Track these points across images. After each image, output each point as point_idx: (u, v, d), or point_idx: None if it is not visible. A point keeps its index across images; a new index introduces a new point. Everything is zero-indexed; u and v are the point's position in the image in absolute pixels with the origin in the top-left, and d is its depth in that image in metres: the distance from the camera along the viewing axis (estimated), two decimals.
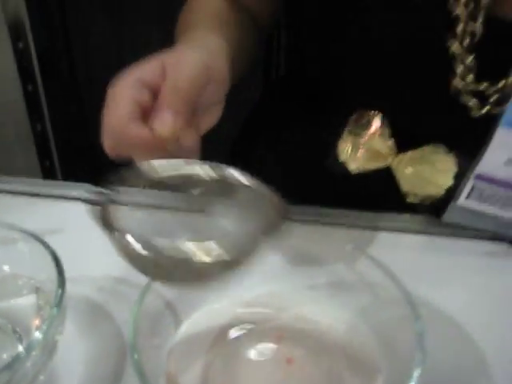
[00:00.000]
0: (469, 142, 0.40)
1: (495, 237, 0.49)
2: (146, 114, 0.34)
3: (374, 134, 0.48)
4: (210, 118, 0.39)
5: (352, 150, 0.48)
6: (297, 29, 0.53)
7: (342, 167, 0.50)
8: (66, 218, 0.48)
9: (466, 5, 0.41)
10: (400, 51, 0.45)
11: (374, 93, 0.49)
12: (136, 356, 0.30)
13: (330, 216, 0.48)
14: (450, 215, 0.43)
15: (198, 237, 0.30)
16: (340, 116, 0.49)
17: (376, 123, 0.48)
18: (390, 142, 0.48)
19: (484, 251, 0.47)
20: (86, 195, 0.50)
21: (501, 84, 0.43)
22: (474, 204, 0.42)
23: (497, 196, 0.41)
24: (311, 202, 0.48)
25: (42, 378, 0.36)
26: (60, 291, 0.35)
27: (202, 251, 0.29)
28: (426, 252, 0.46)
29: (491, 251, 0.48)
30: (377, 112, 0.47)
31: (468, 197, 0.42)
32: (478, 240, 0.48)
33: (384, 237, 0.47)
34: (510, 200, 0.41)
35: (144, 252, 0.29)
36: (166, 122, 0.33)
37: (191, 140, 0.34)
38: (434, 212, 0.48)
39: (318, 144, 0.51)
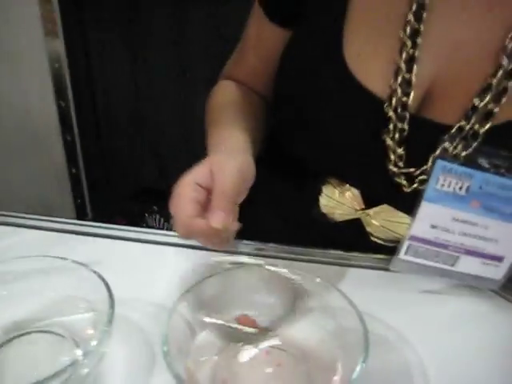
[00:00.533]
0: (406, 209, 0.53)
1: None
2: (203, 206, 0.48)
3: (345, 194, 0.62)
4: (245, 192, 0.52)
5: (331, 206, 0.63)
6: (279, 122, 0.68)
7: (324, 217, 0.65)
8: (104, 253, 0.61)
9: (395, 110, 0.55)
10: (350, 143, 0.60)
11: (337, 168, 0.63)
12: (166, 349, 0.43)
13: (311, 255, 0.61)
14: (395, 265, 0.56)
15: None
16: (318, 179, 0.63)
17: (346, 187, 0.62)
18: (358, 201, 0.63)
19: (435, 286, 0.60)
20: (117, 233, 0.64)
21: (424, 167, 0.56)
22: (411, 258, 0.55)
23: (429, 252, 0.54)
24: (300, 244, 0.62)
25: (91, 379, 0.46)
26: (111, 311, 0.46)
27: None
28: (387, 286, 0.59)
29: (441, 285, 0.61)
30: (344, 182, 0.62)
31: (406, 253, 0.55)
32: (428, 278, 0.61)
33: (352, 272, 0.60)
34: (440, 255, 0.54)
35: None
36: (219, 220, 0.46)
37: (235, 226, 0.48)
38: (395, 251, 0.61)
39: (303, 200, 0.66)
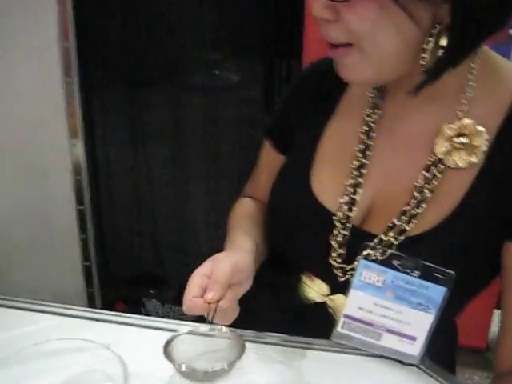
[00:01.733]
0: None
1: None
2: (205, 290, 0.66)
3: (312, 285, 0.79)
4: (243, 288, 0.68)
5: (306, 295, 0.79)
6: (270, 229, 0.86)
7: (308, 299, 0.79)
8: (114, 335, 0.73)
9: (340, 221, 0.73)
10: (308, 243, 0.76)
11: (302, 262, 0.79)
12: None
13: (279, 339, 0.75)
14: (336, 337, 0.70)
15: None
16: (294, 273, 0.80)
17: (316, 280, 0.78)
18: (325, 289, 0.78)
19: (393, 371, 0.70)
20: (131, 321, 0.78)
21: (354, 264, 0.71)
22: (346, 332, 0.69)
23: (358, 328, 0.68)
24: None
25: None
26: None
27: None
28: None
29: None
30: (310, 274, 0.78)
31: (342, 327, 0.69)
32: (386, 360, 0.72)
33: (311, 353, 0.71)
34: (367, 331, 0.68)
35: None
36: (210, 297, 0.64)
37: (225, 305, 0.64)
38: None
39: (283, 290, 0.82)
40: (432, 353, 0.72)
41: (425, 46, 0.60)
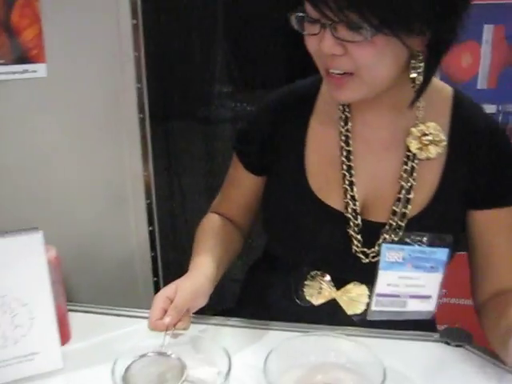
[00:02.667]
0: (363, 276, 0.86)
1: (433, 339, 0.88)
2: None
3: (322, 282, 0.92)
4: (198, 307, 0.84)
5: (313, 293, 0.93)
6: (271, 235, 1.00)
7: (308, 302, 0.93)
8: None
9: (351, 214, 0.87)
10: (324, 241, 0.90)
11: (314, 261, 0.93)
12: None
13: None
14: (371, 316, 0.86)
15: None
16: (301, 273, 0.93)
17: (320, 275, 0.92)
18: (331, 285, 0.92)
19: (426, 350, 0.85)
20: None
21: (373, 249, 0.87)
22: (380, 308, 0.84)
23: (388, 301, 0.83)
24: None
25: None
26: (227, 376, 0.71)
27: None
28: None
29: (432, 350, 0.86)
30: (320, 272, 0.92)
31: (376, 305, 0.84)
32: (419, 342, 0.88)
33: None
34: (395, 302, 0.83)
35: None
36: (167, 322, 0.78)
37: (182, 325, 0.79)
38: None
39: (291, 289, 0.94)
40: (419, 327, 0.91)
41: (418, 70, 0.78)
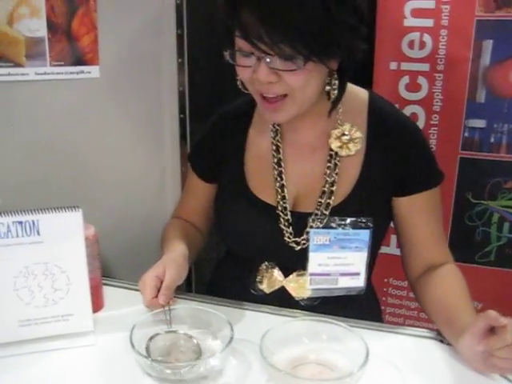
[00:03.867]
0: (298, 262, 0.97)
1: (428, 336, 0.95)
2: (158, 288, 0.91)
3: (271, 273, 1.04)
4: (180, 282, 0.95)
5: (265, 283, 1.04)
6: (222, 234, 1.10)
7: (262, 290, 1.04)
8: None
9: (281, 210, 1.00)
10: (260, 234, 1.02)
11: (258, 253, 1.04)
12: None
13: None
14: (309, 293, 0.99)
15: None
16: (253, 265, 1.04)
17: (270, 267, 1.03)
18: (280, 274, 1.03)
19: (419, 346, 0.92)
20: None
21: (303, 236, 0.99)
22: (315, 286, 0.95)
23: (321, 280, 0.94)
24: None
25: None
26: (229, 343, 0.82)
27: None
28: None
29: (425, 346, 0.92)
30: (269, 263, 1.03)
31: (310, 284, 0.95)
32: (414, 337, 0.95)
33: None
34: (327, 280, 0.94)
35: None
36: (162, 300, 0.89)
37: (172, 302, 0.91)
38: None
39: (246, 280, 1.05)
40: (365, 313, 1.02)
41: (333, 86, 0.92)
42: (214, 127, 1.11)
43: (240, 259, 1.08)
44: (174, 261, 0.95)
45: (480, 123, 1.52)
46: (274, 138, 1.03)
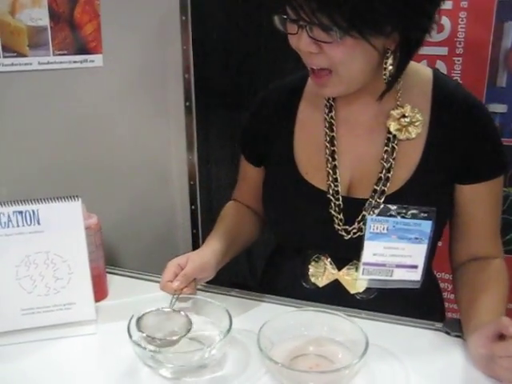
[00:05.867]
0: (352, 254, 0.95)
1: (434, 327, 0.95)
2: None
3: (324, 264, 1.01)
4: (204, 280, 0.97)
5: (318, 276, 1.02)
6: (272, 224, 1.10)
7: (314, 284, 1.03)
8: None
9: (332, 195, 0.97)
10: (311, 220, 1.00)
11: (308, 241, 1.03)
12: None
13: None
14: (361, 284, 0.97)
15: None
16: (305, 256, 1.02)
17: (322, 258, 1.01)
18: (333, 267, 1.00)
19: (424, 337, 0.92)
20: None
21: (356, 225, 0.96)
22: (366, 276, 0.92)
23: (375, 270, 0.91)
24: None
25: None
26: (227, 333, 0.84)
27: None
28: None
29: (430, 338, 0.92)
30: (324, 256, 1.01)
31: (363, 274, 0.92)
32: (419, 329, 0.94)
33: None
34: (382, 271, 0.91)
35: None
36: (175, 285, 0.91)
37: (188, 291, 0.92)
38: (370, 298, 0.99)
39: (298, 273, 1.04)
40: (425, 310, 1.00)
41: (385, 66, 0.87)
42: (259, 107, 1.08)
43: (291, 251, 1.06)
44: (201, 255, 0.96)
45: (501, 108, 1.50)
46: (327, 114, 0.99)
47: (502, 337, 0.78)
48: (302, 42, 0.84)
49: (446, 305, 1.53)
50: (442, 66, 1.53)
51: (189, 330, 0.85)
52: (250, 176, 1.12)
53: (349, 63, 0.85)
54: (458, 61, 1.51)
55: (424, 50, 1.52)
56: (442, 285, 1.61)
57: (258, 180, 1.09)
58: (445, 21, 1.48)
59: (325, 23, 0.80)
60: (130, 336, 0.83)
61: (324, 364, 0.83)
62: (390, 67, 0.87)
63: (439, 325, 0.96)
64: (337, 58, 0.84)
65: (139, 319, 0.85)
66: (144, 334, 0.82)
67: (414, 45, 0.87)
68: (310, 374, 0.80)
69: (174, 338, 0.83)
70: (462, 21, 1.48)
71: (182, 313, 0.89)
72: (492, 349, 0.78)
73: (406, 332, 0.96)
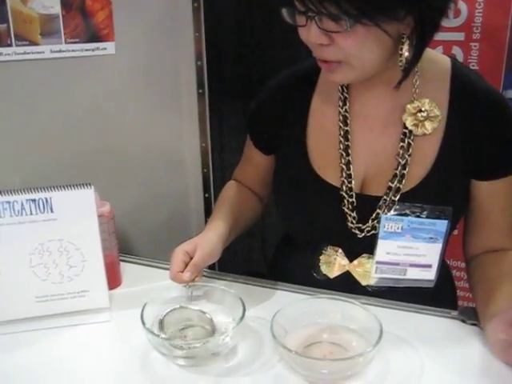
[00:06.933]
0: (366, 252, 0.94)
1: (449, 315, 0.94)
2: (187, 263, 0.90)
3: (336, 256, 1.00)
4: (211, 262, 0.94)
5: (329, 267, 1.01)
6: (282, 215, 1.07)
7: (325, 275, 1.02)
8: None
9: (346, 192, 0.95)
10: (324, 216, 0.99)
11: (320, 235, 1.01)
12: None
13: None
14: (374, 282, 0.94)
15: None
16: (316, 248, 1.01)
17: (334, 250, 1.00)
18: (345, 259, 1.00)
19: (439, 326, 0.91)
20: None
21: (368, 224, 0.95)
22: (379, 275, 0.91)
23: (389, 269, 0.90)
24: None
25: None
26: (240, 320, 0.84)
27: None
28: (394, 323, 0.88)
29: (446, 326, 0.92)
30: (335, 248, 1.00)
31: (376, 272, 0.90)
32: (435, 317, 0.94)
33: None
34: (395, 270, 0.90)
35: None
36: (187, 276, 0.88)
37: (199, 278, 0.91)
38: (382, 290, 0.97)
39: (309, 264, 1.03)
40: (438, 300, 0.98)
41: (400, 52, 0.84)
42: (272, 93, 1.05)
43: (301, 241, 1.05)
44: (208, 241, 0.93)
45: None
46: (341, 108, 0.96)
47: None
48: (311, 33, 0.82)
49: (461, 293, 1.53)
50: (458, 52, 1.51)
51: (211, 334, 0.86)
52: (256, 162, 1.10)
53: (361, 54, 0.82)
54: (475, 46, 1.49)
55: (440, 36, 1.51)
56: (457, 273, 1.61)
57: (265, 167, 1.08)
58: (461, 5, 1.46)
59: (333, 12, 0.77)
60: (144, 323, 0.83)
61: (338, 352, 0.83)
62: (406, 53, 0.84)
63: (455, 313, 0.96)
64: (349, 49, 0.81)
65: (162, 320, 0.87)
66: (159, 339, 0.83)
67: (430, 29, 0.83)
68: (324, 361, 0.80)
69: (190, 343, 0.84)
70: (480, 5, 1.46)
71: (208, 316, 0.90)
72: (511, 334, 0.77)
73: (421, 320, 0.95)
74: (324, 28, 0.80)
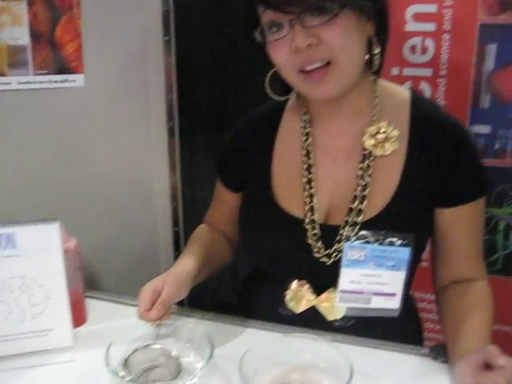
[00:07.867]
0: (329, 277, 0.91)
1: (419, 353, 0.95)
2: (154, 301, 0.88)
3: (301, 291, 0.99)
4: (179, 299, 0.92)
5: (295, 302, 1.00)
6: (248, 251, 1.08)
7: (290, 311, 1.01)
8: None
9: (309, 223, 0.96)
10: (289, 249, 0.99)
11: (285, 269, 1.01)
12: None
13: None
14: (338, 312, 0.96)
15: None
16: (282, 282, 1.01)
17: (300, 284, 1.00)
18: (312, 293, 0.99)
19: (410, 363, 0.92)
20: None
21: (333, 248, 0.95)
22: (344, 304, 0.90)
23: (352, 298, 0.88)
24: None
25: None
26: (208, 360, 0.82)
27: None
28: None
29: (416, 364, 0.92)
30: (302, 282, 1.00)
31: (340, 301, 0.89)
32: (404, 354, 0.94)
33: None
34: (359, 299, 0.88)
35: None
36: (154, 314, 0.86)
37: (166, 317, 0.89)
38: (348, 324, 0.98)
39: (276, 299, 1.02)
40: (404, 334, 1.00)
41: (373, 53, 0.91)
42: (240, 132, 1.08)
43: (267, 275, 1.05)
44: (176, 277, 0.92)
45: (484, 129, 1.51)
46: (304, 142, 0.99)
47: (488, 366, 0.77)
48: (298, 38, 0.83)
49: (431, 325, 1.55)
50: (426, 87, 1.55)
51: (177, 376, 0.84)
52: (226, 201, 1.12)
53: (347, 46, 0.85)
54: (442, 82, 1.53)
55: (408, 72, 1.58)
56: (428, 306, 1.63)
57: (234, 205, 1.10)
58: (429, 43, 1.51)
59: (314, 4, 0.81)
60: (108, 364, 0.81)
61: None
62: (378, 49, 0.91)
63: (425, 350, 0.95)
64: (336, 42, 0.84)
65: (126, 361, 0.85)
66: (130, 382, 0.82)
67: (386, 33, 0.94)
68: None
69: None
70: (446, 43, 1.50)
71: (174, 356, 0.88)
72: (479, 379, 0.76)
73: (391, 357, 0.95)
74: (309, 25, 0.83)
